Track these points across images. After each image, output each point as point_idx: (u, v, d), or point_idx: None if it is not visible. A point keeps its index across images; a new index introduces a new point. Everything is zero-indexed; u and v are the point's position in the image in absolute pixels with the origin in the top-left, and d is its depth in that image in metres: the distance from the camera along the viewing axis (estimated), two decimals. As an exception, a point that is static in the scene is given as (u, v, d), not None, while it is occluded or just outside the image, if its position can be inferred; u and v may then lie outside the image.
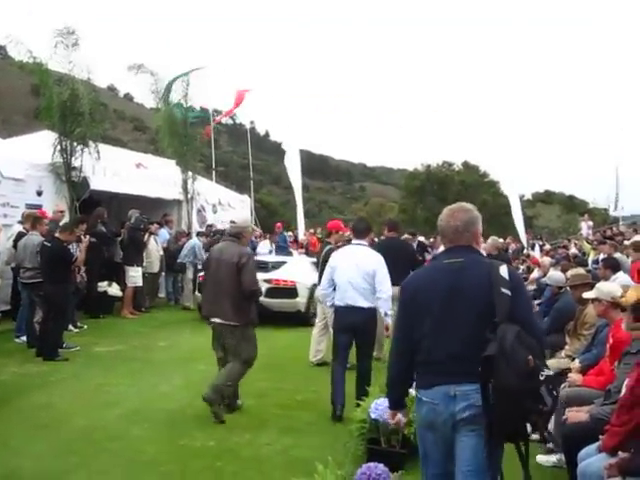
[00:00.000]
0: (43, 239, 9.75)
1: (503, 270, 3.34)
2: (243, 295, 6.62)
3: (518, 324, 3.15)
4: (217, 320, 6.73)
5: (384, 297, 6.66)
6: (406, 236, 14.49)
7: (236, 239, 6.92)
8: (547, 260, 12.85)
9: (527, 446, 3.27)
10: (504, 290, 3.25)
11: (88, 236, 11.18)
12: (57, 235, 9.68)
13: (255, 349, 6.93)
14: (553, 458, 5.44)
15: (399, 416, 4.07)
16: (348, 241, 8.55)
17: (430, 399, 3.38)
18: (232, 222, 7.42)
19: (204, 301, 7.40)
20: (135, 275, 13.48)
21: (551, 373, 3.20)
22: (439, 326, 3.36)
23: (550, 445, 5.70)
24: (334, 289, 6.82)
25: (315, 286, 12.80)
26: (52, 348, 9.16)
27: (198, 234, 16.94)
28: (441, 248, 4.71)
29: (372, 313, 6.76)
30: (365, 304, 6.66)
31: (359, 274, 6.65)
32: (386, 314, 6.80)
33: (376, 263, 6.75)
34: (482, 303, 3.27)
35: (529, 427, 3.25)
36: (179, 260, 15.18)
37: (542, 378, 3.08)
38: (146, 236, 14.27)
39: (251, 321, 6.86)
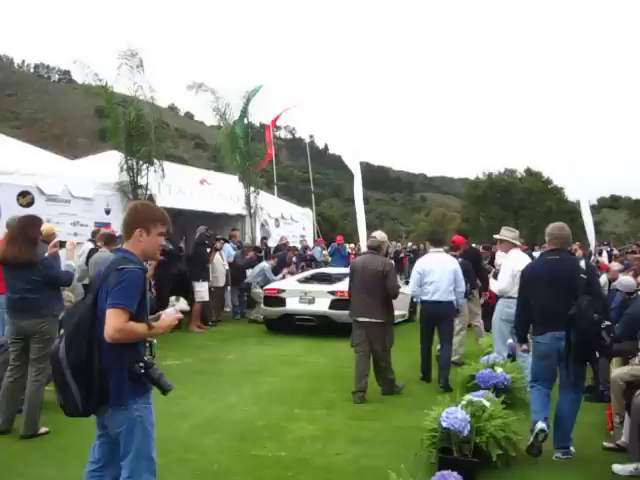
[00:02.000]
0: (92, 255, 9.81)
1: (582, 263, 6.09)
2: (388, 296, 8.24)
3: (590, 295, 5.70)
4: (365, 319, 8.17)
5: (460, 291, 8.92)
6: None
7: (376, 251, 8.51)
8: (616, 265, 12.58)
9: (597, 366, 6.65)
10: (582, 275, 5.83)
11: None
12: (104, 249, 9.52)
13: (392, 340, 8.47)
14: (630, 467, 5.33)
15: (524, 347, 6.48)
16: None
17: (544, 341, 5.92)
18: (372, 237, 8.93)
19: (353, 304, 8.50)
20: (201, 290, 13.64)
21: (609, 324, 5.81)
22: (545, 296, 5.93)
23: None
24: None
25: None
26: None
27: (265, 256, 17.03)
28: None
29: (452, 306, 8.90)
30: (448, 298, 8.77)
31: (443, 275, 8.74)
32: (459, 304, 9.19)
33: (455, 265, 8.97)
34: (569, 283, 5.80)
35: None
36: (247, 280, 15.38)
37: (603, 326, 5.63)
38: (211, 252, 14.50)
39: (392, 319, 8.58)
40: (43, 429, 6.28)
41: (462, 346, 10.37)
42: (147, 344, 3.68)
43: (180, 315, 3.93)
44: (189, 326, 13.46)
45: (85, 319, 3.52)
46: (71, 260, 7.51)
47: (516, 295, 7.29)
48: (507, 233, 8.63)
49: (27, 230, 6.57)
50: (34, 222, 6.88)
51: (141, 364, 3.54)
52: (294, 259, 17.38)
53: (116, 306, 3.41)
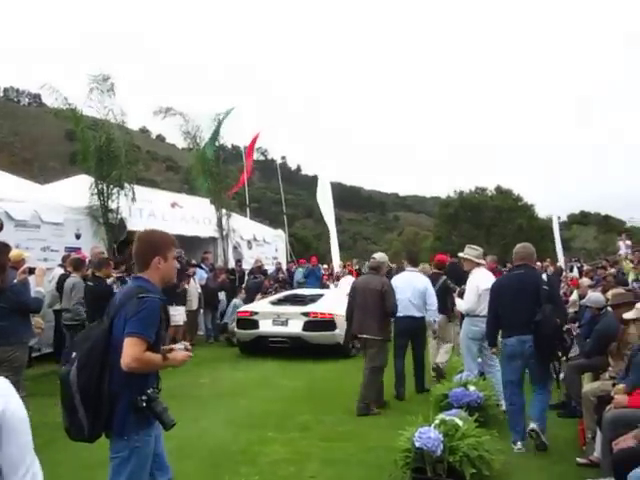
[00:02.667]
0: (85, 282, 9.70)
1: (544, 276, 7.10)
2: (386, 315, 8.68)
3: (552, 304, 6.55)
4: (365, 335, 8.67)
5: (433, 309, 9.56)
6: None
7: (376, 271, 9.01)
8: (586, 281, 12.70)
9: (559, 365, 7.11)
10: (544, 287, 6.68)
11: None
12: (97, 274, 9.60)
13: (387, 358, 8.86)
14: (602, 482, 5.35)
15: (494, 350, 7.49)
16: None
17: (510, 344, 6.79)
18: (372, 258, 9.46)
19: (354, 321, 8.88)
20: (176, 314, 13.53)
21: (568, 327, 7.55)
22: (512, 305, 6.79)
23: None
24: None
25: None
26: None
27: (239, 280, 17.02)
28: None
29: (423, 321, 9.58)
30: (418, 314, 9.45)
31: (414, 293, 9.40)
32: (434, 320, 9.73)
33: (426, 284, 9.65)
34: (533, 293, 6.64)
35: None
36: (224, 321, 15.41)
37: (564, 329, 6.93)
38: (191, 276, 14.46)
39: (388, 336, 8.96)
40: None
41: (447, 354, 10.49)
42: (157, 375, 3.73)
43: (190, 354, 4.02)
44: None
45: (99, 344, 3.53)
46: (41, 286, 7.45)
47: (482, 313, 7.99)
48: (470, 251, 8.76)
49: None
50: (2, 249, 6.80)
51: (144, 397, 3.51)
52: (270, 287, 17.35)
53: (135, 335, 3.44)
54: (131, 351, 3.40)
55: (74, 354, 3.58)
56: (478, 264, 8.64)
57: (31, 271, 7.54)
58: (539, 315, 6.43)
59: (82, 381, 3.47)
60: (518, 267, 7.06)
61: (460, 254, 9.05)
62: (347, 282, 19.67)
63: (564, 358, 7.45)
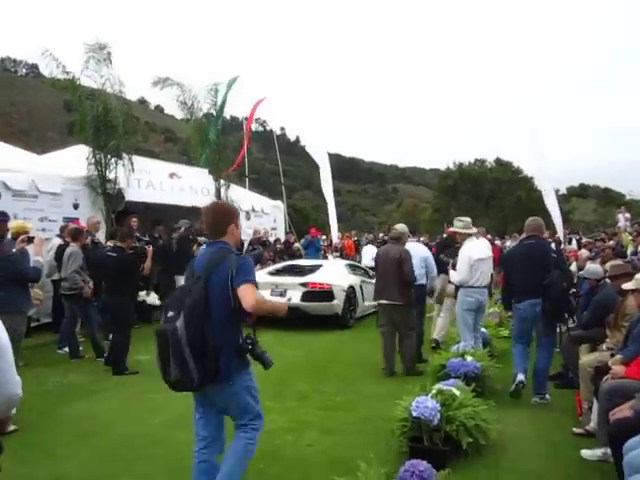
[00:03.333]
0: (107, 249, 9.55)
1: (552, 245, 8.50)
2: (405, 281, 8.89)
3: (559, 270, 7.35)
4: (385, 302, 9.05)
5: (433, 275, 10.09)
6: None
7: (396, 241, 9.31)
8: (584, 253, 12.70)
9: (566, 324, 8.38)
10: (553, 255, 7.52)
11: (151, 245, 11.40)
12: (119, 244, 9.28)
13: (415, 319, 9.38)
14: (598, 452, 5.37)
15: (510, 313, 8.55)
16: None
17: (523, 307, 7.45)
18: (394, 229, 9.85)
19: (376, 289, 9.38)
20: None
21: (574, 290, 8.89)
22: (523, 272, 7.42)
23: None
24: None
25: (351, 288, 12.81)
26: (119, 362, 8.99)
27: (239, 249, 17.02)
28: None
29: (424, 288, 9.96)
30: (420, 282, 9.61)
31: (416, 261, 9.32)
32: (432, 285, 10.36)
33: (427, 253, 10.12)
34: (542, 261, 7.34)
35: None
36: None
37: (570, 293, 7.90)
38: (195, 246, 14.45)
39: (410, 302, 9.07)
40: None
41: (444, 329, 10.77)
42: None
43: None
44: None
45: (201, 300, 3.92)
46: (39, 256, 7.42)
47: (476, 284, 8.35)
48: (457, 224, 8.82)
49: None
50: (0, 218, 6.77)
51: (248, 341, 4.07)
52: (269, 258, 17.32)
53: (248, 282, 3.97)
54: (251, 294, 3.92)
55: (171, 313, 3.92)
56: (469, 235, 8.65)
57: (30, 240, 7.51)
58: (547, 280, 7.19)
59: (190, 335, 3.83)
60: (528, 238, 7.68)
61: (450, 229, 9.11)
62: (369, 251, 19.71)
63: (570, 319, 8.34)
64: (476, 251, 8.34)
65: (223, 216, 4.41)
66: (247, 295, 3.91)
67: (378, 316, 9.47)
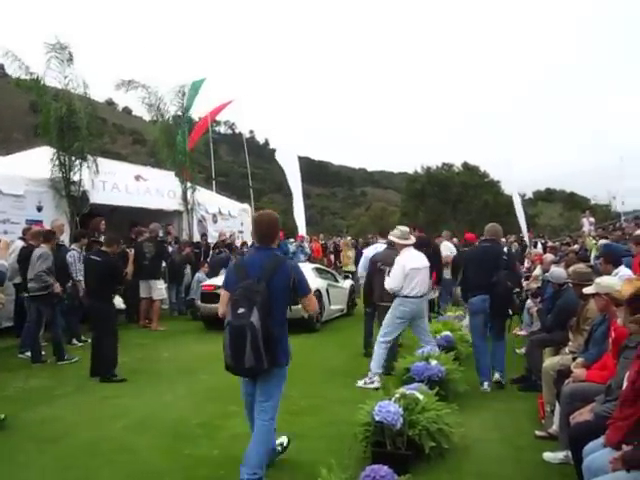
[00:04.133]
0: (91, 253, 9.55)
1: (505, 249, 9.11)
2: None
3: (508, 270, 8.28)
4: (383, 303, 9.29)
5: None
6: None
7: (394, 246, 9.19)
8: (549, 257, 12.80)
9: (509, 321, 8.63)
10: (504, 257, 8.44)
11: (133, 249, 11.30)
12: (104, 249, 9.24)
13: None
14: (560, 455, 5.40)
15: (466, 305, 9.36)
16: None
17: (475, 302, 8.32)
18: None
19: (375, 290, 9.70)
20: (161, 288, 13.57)
21: (518, 290, 9.20)
22: (477, 270, 8.37)
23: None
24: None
25: (318, 292, 12.79)
26: (108, 368, 8.81)
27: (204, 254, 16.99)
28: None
29: None
30: None
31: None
32: None
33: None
34: (494, 262, 8.25)
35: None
36: (190, 297, 15.34)
37: (514, 292, 8.44)
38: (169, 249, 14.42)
39: None
40: None
41: None
42: None
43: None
44: (151, 325, 13.30)
45: (268, 299, 4.69)
46: (3, 259, 7.32)
47: (411, 294, 8.42)
48: (395, 232, 8.84)
49: None
50: None
51: None
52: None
53: (310, 292, 5.16)
54: (314, 303, 5.29)
55: (242, 310, 4.63)
56: (405, 245, 8.65)
57: None
58: (494, 278, 8.13)
59: (264, 328, 4.60)
60: (485, 241, 8.83)
61: (391, 238, 9.00)
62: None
63: (512, 314, 8.68)
64: (411, 260, 8.43)
65: (275, 226, 5.17)
66: (312, 304, 5.19)
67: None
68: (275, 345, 4.73)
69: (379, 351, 8.55)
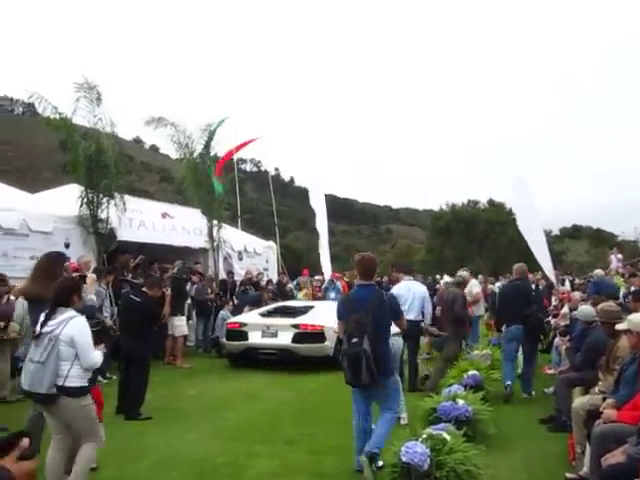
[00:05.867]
0: (131, 293, 9.66)
1: (532, 286, 12.48)
2: (456, 318, 10.72)
3: (536, 304, 10.52)
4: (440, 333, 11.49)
5: (427, 312, 10.66)
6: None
7: (457, 286, 11.50)
8: (577, 294, 12.66)
9: (541, 344, 11.78)
10: (532, 292, 10.87)
11: (169, 289, 11.38)
12: (145, 290, 9.42)
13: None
14: (591, 498, 5.28)
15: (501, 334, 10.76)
16: None
17: (510, 330, 9.97)
18: (459, 275, 12.41)
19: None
20: (181, 324, 13.52)
21: (548, 319, 12.47)
22: (511, 303, 10.22)
23: None
24: None
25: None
26: (134, 406, 8.79)
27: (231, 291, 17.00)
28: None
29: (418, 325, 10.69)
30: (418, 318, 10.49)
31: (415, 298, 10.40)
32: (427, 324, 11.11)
33: (424, 291, 10.86)
34: (525, 296, 10.22)
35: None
36: (215, 334, 15.27)
37: (545, 322, 11.32)
38: (188, 285, 14.35)
39: (459, 334, 11.03)
40: None
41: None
42: None
43: None
44: (176, 363, 13.28)
45: (374, 328, 5.88)
46: (92, 294, 7.51)
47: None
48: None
49: (51, 267, 6.54)
50: (58, 259, 6.84)
51: None
52: (268, 298, 17.19)
53: (403, 315, 6.80)
54: (404, 322, 6.88)
55: (355, 339, 5.83)
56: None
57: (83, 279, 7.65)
58: (528, 311, 9.88)
59: (374, 352, 5.79)
60: (516, 280, 10.68)
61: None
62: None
63: (543, 338, 11.30)
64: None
65: (374, 265, 6.50)
66: (403, 323, 6.77)
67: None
68: (383, 362, 5.93)
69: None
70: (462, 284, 11.87)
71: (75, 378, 5.17)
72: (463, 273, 12.36)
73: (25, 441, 2.12)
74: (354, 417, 6.45)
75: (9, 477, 2.10)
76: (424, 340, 12.56)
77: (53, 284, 6.04)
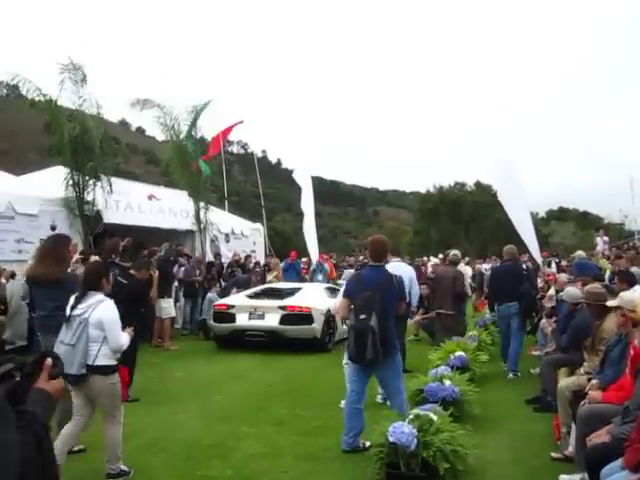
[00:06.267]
0: (118, 274, 9.23)
1: (524, 265, 12.88)
2: (458, 295, 11.67)
3: (528, 282, 11.07)
4: (442, 311, 11.60)
5: (414, 293, 10.50)
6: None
7: (454, 264, 12.32)
8: (563, 276, 12.67)
9: (536, 319, 12.14)
10: (524, 272, 11.33)
11: (157, 270, 11.32)
12: (133, 272, 9.34)
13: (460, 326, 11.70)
14: (576, 477, 5.32)
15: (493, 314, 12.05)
16: None
17: (502, 308, 10.73)
18: (454, 255, 12.57)
19: (436, 301, 12.23)
20: (167, 306, 13.46)
21: (539, 296, 12.50)
22: (502, 283, 10.83)
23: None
24: None
25: (330, 312, 12.73)
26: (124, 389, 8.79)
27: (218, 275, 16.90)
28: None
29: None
30: None
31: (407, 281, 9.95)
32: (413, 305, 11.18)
33: (412, 272, 10.77)
34: (517, 276, 10.79)
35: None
36: (202, 317, 15.20)
37: (537, 298, 12.04)
38: (175, 268, 14.29)
39: (461, 310, 12.22)
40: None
41: None
42: None
43: None
44: (164, 345, 13.24)
45: (382, 307, 6.19)
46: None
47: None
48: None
49: (58, 249, 6.55)
50: (64, 241, 6.81)
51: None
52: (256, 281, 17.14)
53: (405, 298, 7.13)
54: (403, 307, 6.90)
55: (363, 315, 6.15)
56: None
57: None
58: (522, 288, 10.45)
59: (380, 329, 6.09)
60: (507, 260, 11.21)
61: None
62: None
63: (535, 315, 11.93)
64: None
65: (385, 247, 6.78)
66: (401, 308, 6.79)
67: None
68: (388, 341, 6.22)
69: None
70: (457, 263, 12.48)
71: (104, 357, 5.44)
72: (457, 252, 12.78)
73: (49, 360, 2.17)
74: (348, 396, 6.59)
75: (48, 396, 2.16)
76: (411, 322, 12.73)
77: (60, 266, 6.12)
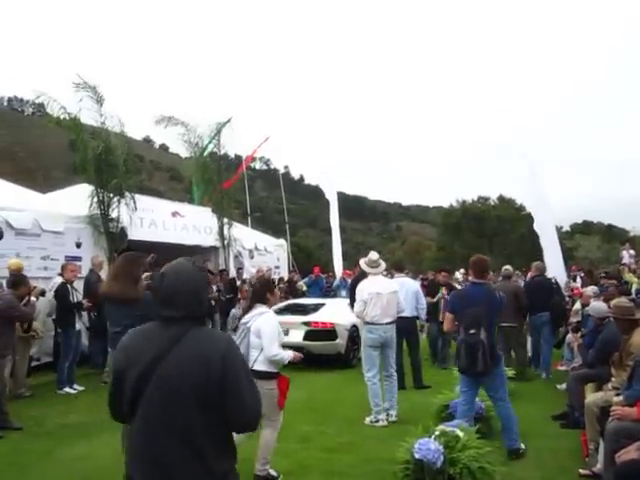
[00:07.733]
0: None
1: (553, 279, 13.19)
2: (519, 308, 11.63)
3: (558, 295, 12.75)
4: (505, 324, 10.82)
5: (421, 308, 10.97)
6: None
7: (508, 279, 12.46)
8: (589, 291, 12.57)
9: (564, 329, 12.38)
10: (553, 285, 12.67)
11: None
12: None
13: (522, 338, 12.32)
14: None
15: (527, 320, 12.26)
16: None
17: (534, 318, 11.94)
18: (506, 269, 12.59)
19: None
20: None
21: (568, 307, 13.01)
22: (536, 296, 11.64)
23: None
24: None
25: (354, 327, 12.69)
26: None
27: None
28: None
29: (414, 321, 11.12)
30: (412, 314, 10.70)
31: (407, 295, 10.35)
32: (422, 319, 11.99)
33: (417, 287, 11.33)
34: (548, 288, 12.28)
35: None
36: (229, 330, 15.21)
37: (567, 309, 12.72)
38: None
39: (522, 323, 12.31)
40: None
41: None
42: None
43: None
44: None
45: (487, 321, 6.62)
46: None
47: (376, 320, 8.53)
48: (363, 259, 9.16)
49: (131, 268, 6.59)
50: (137, 261, 6.89)
51: None
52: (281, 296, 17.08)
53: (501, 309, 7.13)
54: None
55: (473, 330, 6.52)
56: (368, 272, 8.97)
57: None
58: (553, 300, 11.81)
59: (488, 342, 6.51)
60: (537, 276, 12.53)
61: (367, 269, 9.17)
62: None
63: (564, 323, 12.14)
64: (373, 286, 8.61)
65: (486, 265, 7.14)
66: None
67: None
68: (494, 352, 6.60)
69: (371, 387, 8.53)
70: (510, 277, 12.71)
71: (262, 363, 5.95)
72: (509, 267, 13.03)
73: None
74: (461, 404, 6.87)
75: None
76: (423, 336, 13.11)
77: (136, 285, 6.33)
